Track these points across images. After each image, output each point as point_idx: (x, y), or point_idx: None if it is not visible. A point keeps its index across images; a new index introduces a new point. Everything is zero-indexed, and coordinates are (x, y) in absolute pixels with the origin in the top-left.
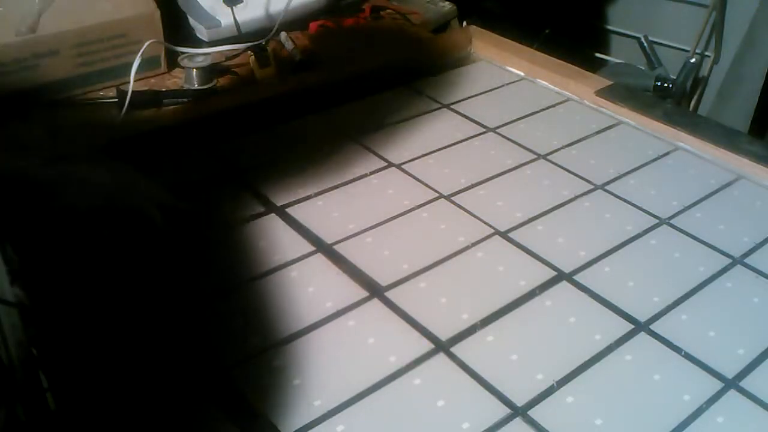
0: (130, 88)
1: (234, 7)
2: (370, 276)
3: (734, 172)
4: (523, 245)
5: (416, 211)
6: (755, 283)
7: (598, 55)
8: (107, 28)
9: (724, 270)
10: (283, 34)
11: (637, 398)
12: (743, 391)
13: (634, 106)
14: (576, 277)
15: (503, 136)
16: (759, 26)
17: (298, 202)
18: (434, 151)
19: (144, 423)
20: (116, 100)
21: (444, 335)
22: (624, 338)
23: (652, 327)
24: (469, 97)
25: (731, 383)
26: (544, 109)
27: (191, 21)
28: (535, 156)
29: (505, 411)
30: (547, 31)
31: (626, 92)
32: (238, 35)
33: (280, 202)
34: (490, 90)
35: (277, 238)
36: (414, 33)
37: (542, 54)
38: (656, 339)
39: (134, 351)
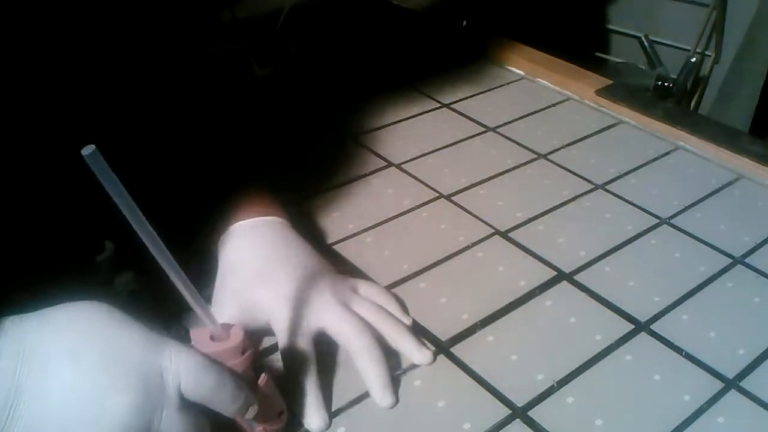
0: None
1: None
2: (370, 276)
3: (735, 172)
4: (524, 245)
5: (416, 211)
6: (756, 283)
7: (598, 54)
8: None
9: (724, 270)
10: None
11: (638, 398)
12: (744, 392)
13: (635, 106)
14: (576, 277)
15: (503, 136)
16: (760, 25)
17: (298, 203)
18: (434, 151)
19: None
20: None
21: (444, 335)
22: (624, 338)
23: (653, 327)
24: (469, 97)
25: (732, 383)
26: (544, 109)
27: None
28: (536, 155)
29: (506, 411)
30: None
31: (627, 92)
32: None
33: None
34: (490, 89)
35: None
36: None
37: (542, 53)
38: (657, 339)
39: None
